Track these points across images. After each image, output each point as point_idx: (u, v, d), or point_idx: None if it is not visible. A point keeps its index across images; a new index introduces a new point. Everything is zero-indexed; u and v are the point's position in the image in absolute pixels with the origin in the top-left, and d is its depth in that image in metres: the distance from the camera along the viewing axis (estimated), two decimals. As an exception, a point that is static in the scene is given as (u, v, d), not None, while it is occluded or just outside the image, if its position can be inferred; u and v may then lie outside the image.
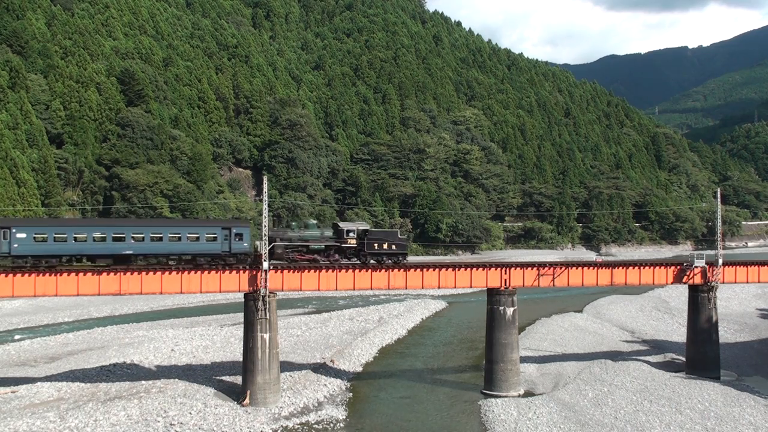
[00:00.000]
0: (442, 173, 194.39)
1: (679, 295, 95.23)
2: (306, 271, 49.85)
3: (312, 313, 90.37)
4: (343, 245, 52.56)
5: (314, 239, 52.67)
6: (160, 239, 48.15)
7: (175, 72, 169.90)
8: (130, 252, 47.97)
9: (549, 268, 54.24)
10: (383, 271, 51.52)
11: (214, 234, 49.06)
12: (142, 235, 48.07)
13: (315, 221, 57.59)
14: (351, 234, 52.59)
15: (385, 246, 52.42)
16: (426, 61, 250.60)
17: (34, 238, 45.67)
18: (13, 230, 45.14)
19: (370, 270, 51.31)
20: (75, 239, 46.76)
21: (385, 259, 52.53)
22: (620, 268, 56.66)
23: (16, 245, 44.96)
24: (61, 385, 50.77)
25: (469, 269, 52.96)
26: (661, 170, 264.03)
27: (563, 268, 54.69)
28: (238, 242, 49.19)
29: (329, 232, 53.72)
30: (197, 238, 48.70)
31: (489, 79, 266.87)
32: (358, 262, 52.38)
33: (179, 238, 48.43)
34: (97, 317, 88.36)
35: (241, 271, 47.90)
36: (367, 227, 54.18)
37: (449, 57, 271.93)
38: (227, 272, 47.76)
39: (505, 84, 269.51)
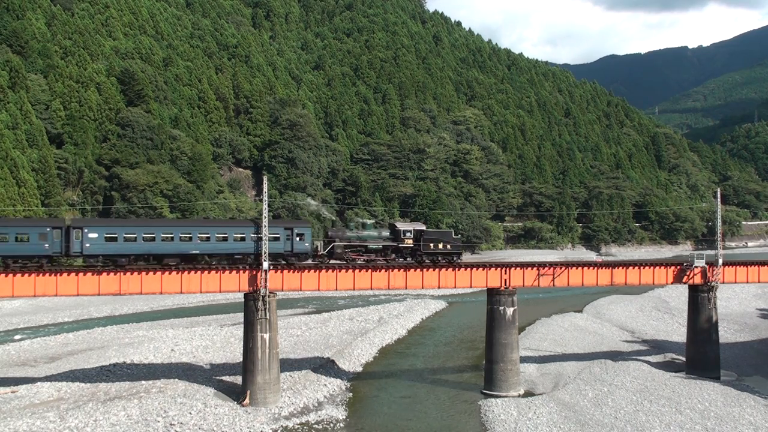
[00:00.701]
0: (442, 173, 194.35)
1: (679, 295, 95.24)
2: (306, 271, 49.88)
3: (312, 313, 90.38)
4: (400, 245, 53.60)
5: (372, 239, 53.79)
6: (225, 239, 49.43)
7: (175, 72, 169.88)
8: (197, 252, 49.15)
9: (549, 268, 54.26)
10: (383, 271, 51.55)
11: (277, 234, 49.80)
12: (208, 236, 49.26)
13: (372, 221, 58.54)
14: (408, 234, 53.60)
15: (440, 246, 53.55)
16: (426, 61, 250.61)
17: (105, 238, 46.92)
18: (86, 230, 46.47)
19: (370, 270, 51.35)
20: (144, 239, 47.85)
21: (439, 258, 53.51)
22: (620, 268, 56.69)
23: (88, 245, 46.29)
24: (61, 385, 50.78)
25: (469, 269, 52.96)
26: (661, 170, 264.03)
27: (563, 268, 54.70)
28: (300, 242, 50.31)
29: (386, 233, 54.86)
30: (260, 239, 49.38)
31: (489, 79, 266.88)
32: (413, 261, 53.18)
33: (243, 238, 49.52)
34: (97, 317, 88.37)
35: (241, 271, 47.94)
36: (423, 227, 55.20)
37: (449, 57, 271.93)
38: (227, 272, 47.80)
39: (505, 84, 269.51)
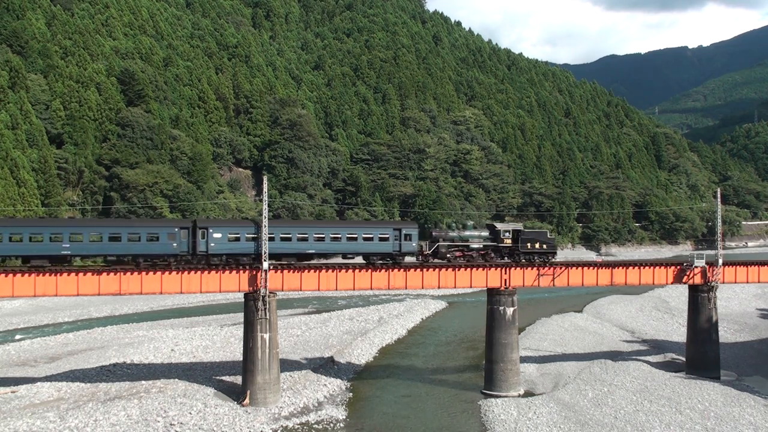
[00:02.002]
0: (442, 173, 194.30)
1: (679, 295, 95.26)
2: (306, 271, 49.91)
3: (312, 313, 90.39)
4: (500, 245, 55.05)
5: (474, 239, 55.32)
6: (339, 239, 51.43)
7: (175, 72, 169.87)
8: (312, 251, 51.15)
9: (549, 268, 54.27)
10: (383, 271, 51.57)
11: (387, 234, 51.73)
12: (323, 236, 51.22)
13: (471, 222, 60.16)
14: (507, 234, 55.15)
15: (537, 245, 54.96)
16: (426, 61, 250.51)
17: (229, 238, 48.64)
18: (210, 230, 48.36)
19: (370, 270, 51.37)
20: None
21: (536, 258, 54.88)
22: (620, 268, 56.68)
23: (212, 244, 48.07)
24: (61, 385, 50.78)
25: (469, 269, 52.96)
26: (661, 170, 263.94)
27: (563, 268, 54.71)
28: (407, 242, 52.13)
29: (485, 233, 56.11)
30: (371, 239, 51.51)
31: (489, 79, 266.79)
32: (511, 260, 54.72)
33: (355, 239, 51.46)
34: (97, 317, 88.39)
35: (241, 271, 47.96)
36: (520, 228, 56.77)
37: (449, 57, 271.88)
38: (227, 272, 47.81)
39: (505, 84, 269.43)
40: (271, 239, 48.61)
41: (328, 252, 52.05)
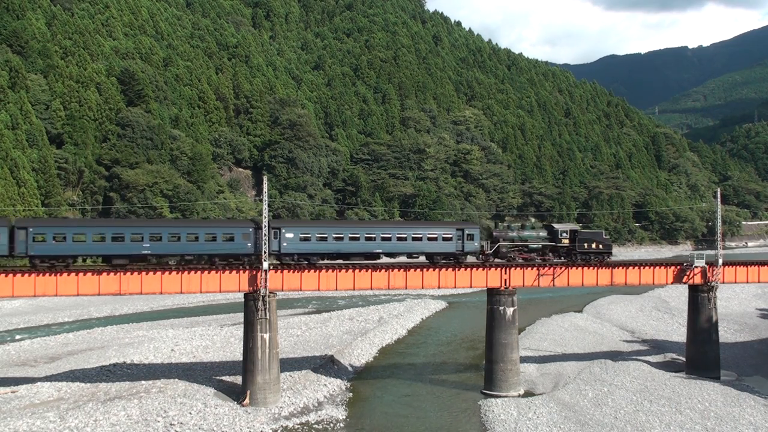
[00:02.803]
0: (442, 173, 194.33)
1: (679, 295, 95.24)
2: (306, 271, 49.90)
3: (312, 313, 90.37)
4: (558, 245, 56.03)
5: (533, 239, 56.35)
6: (405, 239, 52.80)
7: (175, 72, 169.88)
8: (380, 251, 52.58)
9: (549, 268, 54.26)
10: (383, 270, 51.57)
11: (450, 235, 53.05)
12: (389, 236, 52.66)
13: (530, 223, 61.42)
14: (564, 235, 56.13)
15: (593, 246, 55.95)
16: (426, 61, 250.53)
17: (300, 237, 50.19)
18: (283, 230, 49.84)
19: (369, 270, 51.36)
20: (334, 239, 51.23)
21: (592, 257, 55.91)
22: (620, 268, 56.64)
23: (285, 244, 49.55)
24: (61, 385, 50.76)
25: (469, 269, 52.93)
26: (661, 170, 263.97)
27: (563, 268, 54.71)
28: (470, 242, 53.40)
29: (544, 233, 57.05)
30: (435, 239, 52.76)
31: (489, 79, 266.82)
32: (568, 260, 55.79)
33: (420, 239, 52.86)
34: (97, 317, 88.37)
35: (241, 271, 47.96)
36: (577, 228, 57.87)
37: (449, 57, 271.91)
38: (227, 272, 47.81)
39: (505, 84, 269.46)
40: (339, 239, 50.94)
41: (395, 252, 53.33)
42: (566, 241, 55.72)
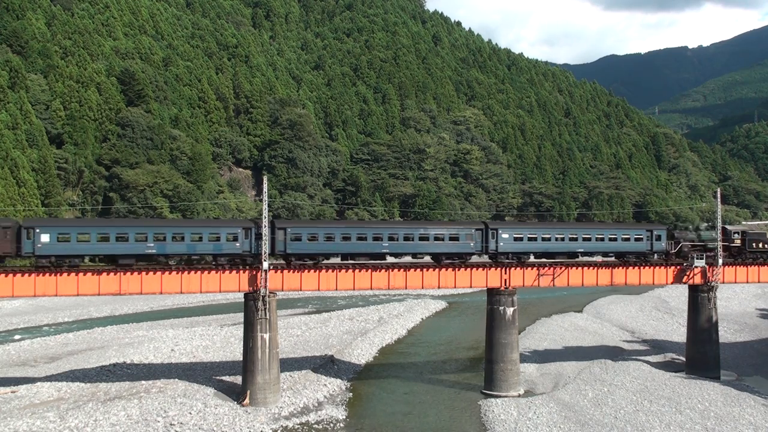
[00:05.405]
0: (442, 173, 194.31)
1: (679, 295, 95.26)
2: (306, 271, 49.89)
3: (312, 313, 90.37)
4: (731, 245, 59.39)
5: (709, 240, 59.43)
6: (602, 239, 56.34)
7: (175, 72, 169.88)
8: (581, 250, 55.86)
9: (549, 268, 54.27)
10: (383, 270, 51.55)
11: (641, 235, 56.93)
12: (576, 236, 55.94)
13: (705, 224, 64.76)
14: (736, 236, 59.83)
15: (761, 245, 59.39)
16: (426, 61, 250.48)
17: (514, 237, 54.12)
18: (500, 231, 53.64)
19: (369, 270, 51.34)
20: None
21: (759, 256, 59.38)
22: (620, 268, 56.66)
23: (501, 244, 53.34)
24: (61, 385, 50.76)
25: (469, 269, 52.94)
26: (661, 170, 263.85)
27: (563, 268, 54.71)
28: (658, 242, 56.92)
29: (717, 234, 59.44)
30: (628, 239, 56.66)
31: (489, 79, 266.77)
32: (739, 260, 59.00)
33: (615, 239, 56.62)
34: (97, 317, 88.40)
35: (241, 271, 47.94)
36: (747, 230, 61.12)
37: (449, 57, 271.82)
38: (227, 272, 47.80)
39: (505, 84, 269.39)
40: (521, 239, 53.84)
41: (588, 251, 56.30)
42: (738, 241, 59.49)
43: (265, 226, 47.80)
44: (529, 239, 54.16)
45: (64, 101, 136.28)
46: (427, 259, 55.44)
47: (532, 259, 54.87)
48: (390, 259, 53.49)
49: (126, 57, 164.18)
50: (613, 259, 57.51)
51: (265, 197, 48.44)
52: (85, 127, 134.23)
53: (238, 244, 48.20)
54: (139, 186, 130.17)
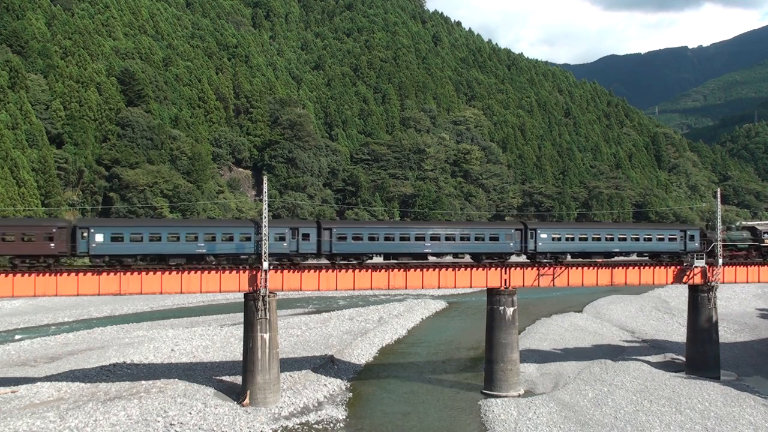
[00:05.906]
0: (442, 173, 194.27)
1: (679, 295, 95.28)
2: (306, 271, 49.90)
3: (312, 313, 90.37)
4: (761, 245, 61.07)
5: (740, 240, 61.40)
6: (637, 239, 58.03)
7: (175, 72, 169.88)
8: (616, 249, 57.53)
9: (549, 268, 54.27)
10: (383, 270, 51.55)
11: (675, 236, 58.62)
12: (612, 236, 57.52)
13: (735, 225, 66.81)
14: (766, 236, 61.28)
15: None
16: (426, 61, 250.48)
17: (552, 238, 55.59)
18: (539, 231, 54.95)
19: (369, 270, 51.34)
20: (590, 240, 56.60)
21: None
22: (620, 268, 56.66)
23: (540, 244, 54.54)
24: (61, 385, 50.77)
25: (469, 269, 52.94)
26: (661, 170, 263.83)
27: (563, 268, 54.71)
28: (691, 242, 58.42)
29: (748, 234, 62.17)
30: (662, 239, 58.24)
31: (489, 79, 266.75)
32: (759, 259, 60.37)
33: (650, 239, 58.29)
34: (97, 317, 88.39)
35: (241, 271, 47.96)
36: None
37: (449, 57, 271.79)
38: (227, 272, 47.81)
39: (505, 84, 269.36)
40: (559, 239, 55.31)
41: (624, 250, 57.81)
42: (767, 241, 61.17)
43: (264, 227, 47.84)
44: (567, 239, 55.25)
45: (64, 101, 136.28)
46: (467, 258, 56.06)
47: (569, 258, 55.75)
48: (432, 259, 54.36)
49: (126, 57, 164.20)
50: (647, 258, 58.68)
51: (265, 197, 48.45)
52: (85, 127, 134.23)
53: (285, 244, 48.96)
54: (139, 186, 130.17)
